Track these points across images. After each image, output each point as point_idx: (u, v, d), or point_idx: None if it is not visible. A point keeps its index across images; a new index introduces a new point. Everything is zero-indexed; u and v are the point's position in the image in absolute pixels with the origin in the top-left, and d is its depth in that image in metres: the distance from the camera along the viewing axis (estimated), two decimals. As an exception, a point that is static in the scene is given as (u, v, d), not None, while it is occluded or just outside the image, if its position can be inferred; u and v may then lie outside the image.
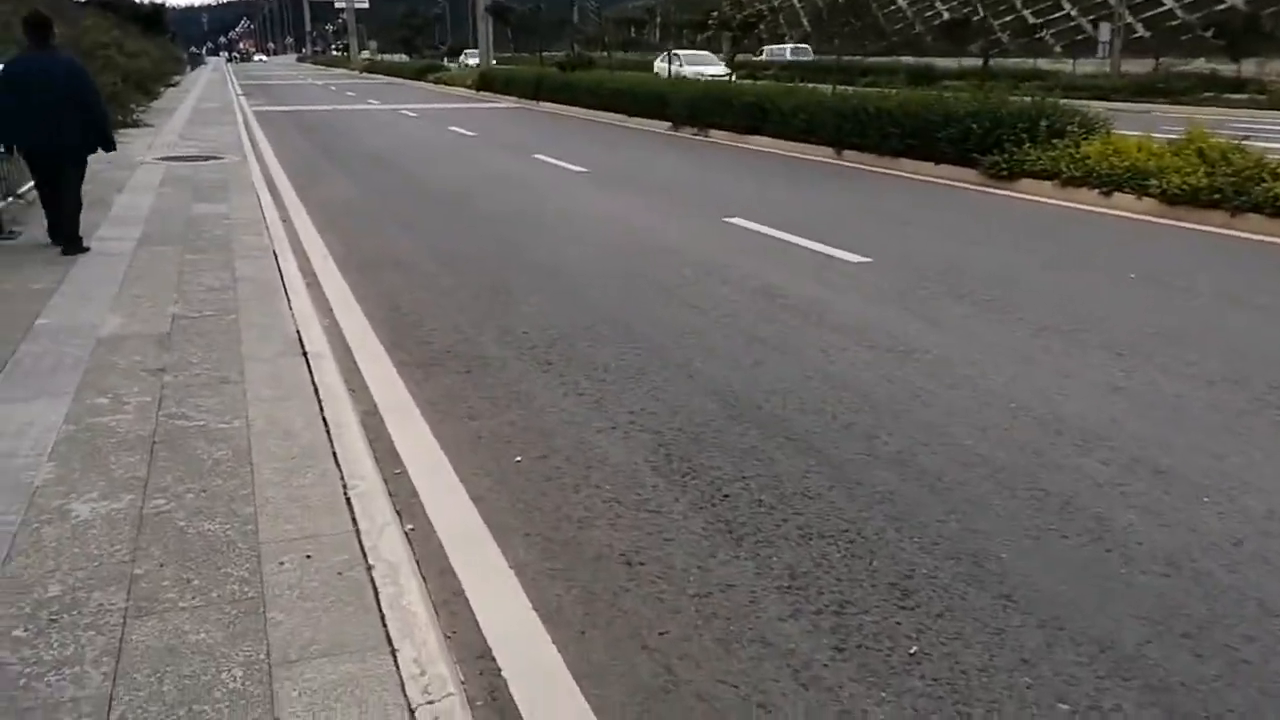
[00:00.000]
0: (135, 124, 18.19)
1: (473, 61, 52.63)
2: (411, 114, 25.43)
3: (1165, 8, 56.41)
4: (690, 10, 60.16)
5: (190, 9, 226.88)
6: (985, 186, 11.68)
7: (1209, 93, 29.00)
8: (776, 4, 67.03)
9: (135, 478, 3.33)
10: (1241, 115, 22.80)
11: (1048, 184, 11.03)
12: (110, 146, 7.49)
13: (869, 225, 9.34)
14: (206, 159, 13.35)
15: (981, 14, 65.39)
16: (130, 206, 9.17)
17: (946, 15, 70.30)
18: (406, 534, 3.16)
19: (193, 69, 63.18)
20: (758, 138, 16.86)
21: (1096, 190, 10.42)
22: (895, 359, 5.15)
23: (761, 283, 6.83)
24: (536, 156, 14.93)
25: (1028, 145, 11.59)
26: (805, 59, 51.13)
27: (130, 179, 11.05)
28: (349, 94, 36.55)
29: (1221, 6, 47.41)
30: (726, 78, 22.37)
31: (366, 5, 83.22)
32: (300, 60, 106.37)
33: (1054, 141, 11.58)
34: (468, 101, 31.42)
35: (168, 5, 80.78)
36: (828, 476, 3.71)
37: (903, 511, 3.43)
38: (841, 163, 14.29)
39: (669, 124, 20.10)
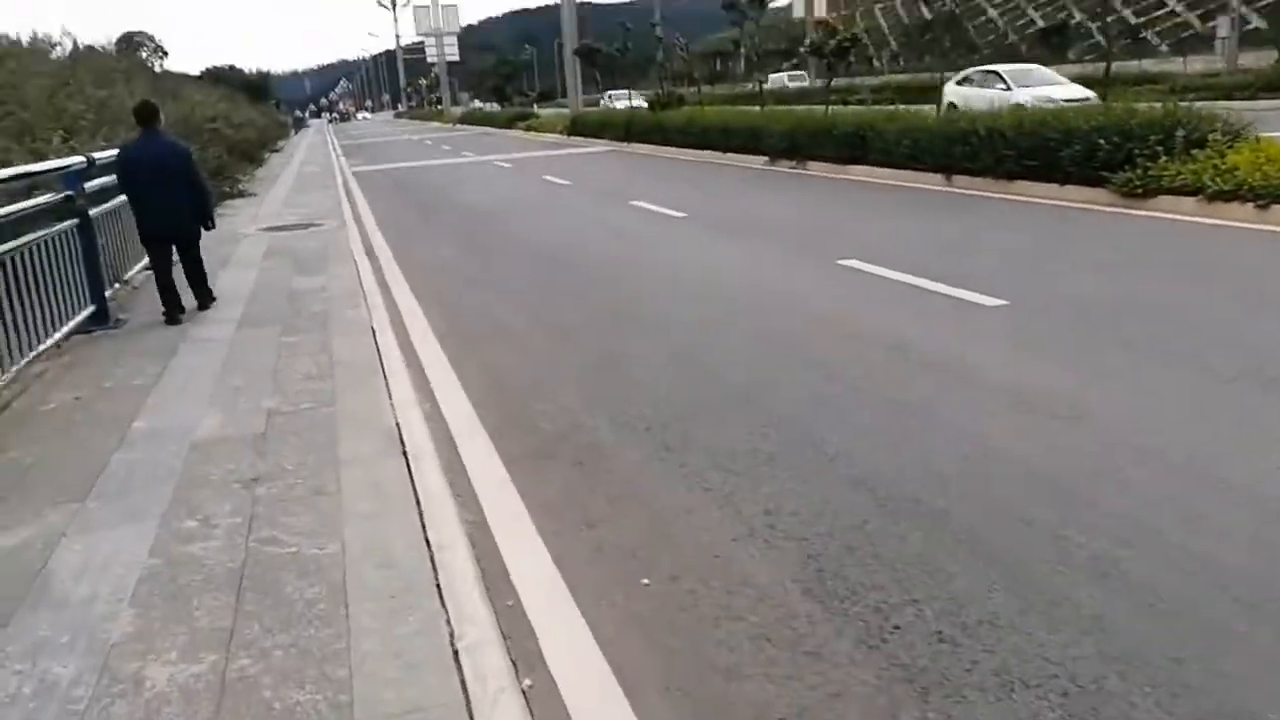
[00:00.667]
0: (240, 194, 18.65)
1: (620, 104, 46.96)
2: (505, 165, 25.58)
3: (1282, -3, 53.45)
4: (776, 39, 59.78)
5: (295, 74, 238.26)
6: (1118, 207, 10.78)
7: (1345, 83, 26.92)
8: (863, 26, 66.14)
9: (220, 629, 2.95)
10: (1389, 106, 20.99)
11: (1190, 200, 10.08)
12: (210, 225, 8.03)
13: (996, 260, 8.61)
14: (307, 226, 13.44)
15: (1078, 17, 63.21)
16: (233, 283, 9.11)
17: (1041, 22, 68.26)
18: (525, 693, 2.68)
19: (296, 132, 65.81)
20: (859, 167, 16.19)
21: (1250, 204, 9.44)
22: (1061, 425, 4.48)
23: (892, 336, 6.22)
24: (634, 203, 14.59)
25: (1164, 159, 10.66)
26: (804, 84, 49.55)
27: (234, 253, 11.10)
28: (444, 147, 37.23)
29: (1347, -10, 44.57)
30: (1087, 100, 17.67)
31: (457, 58, 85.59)
32: (397, 116, 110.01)
33: (1193, 153, 10.62)
34: (560, 148, 31.56)
35: (272, 73, 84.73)
36: (1016, 595, 3.09)
37: (1121, 648, 2.78)
38: (953, 190, 13.52)
39: (765, 158, 19.60)
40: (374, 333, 6.84)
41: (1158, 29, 57.28)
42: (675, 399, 5.29)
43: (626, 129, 28.75)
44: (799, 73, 55.25)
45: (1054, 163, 11.94)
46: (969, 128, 13.59)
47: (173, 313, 7.61)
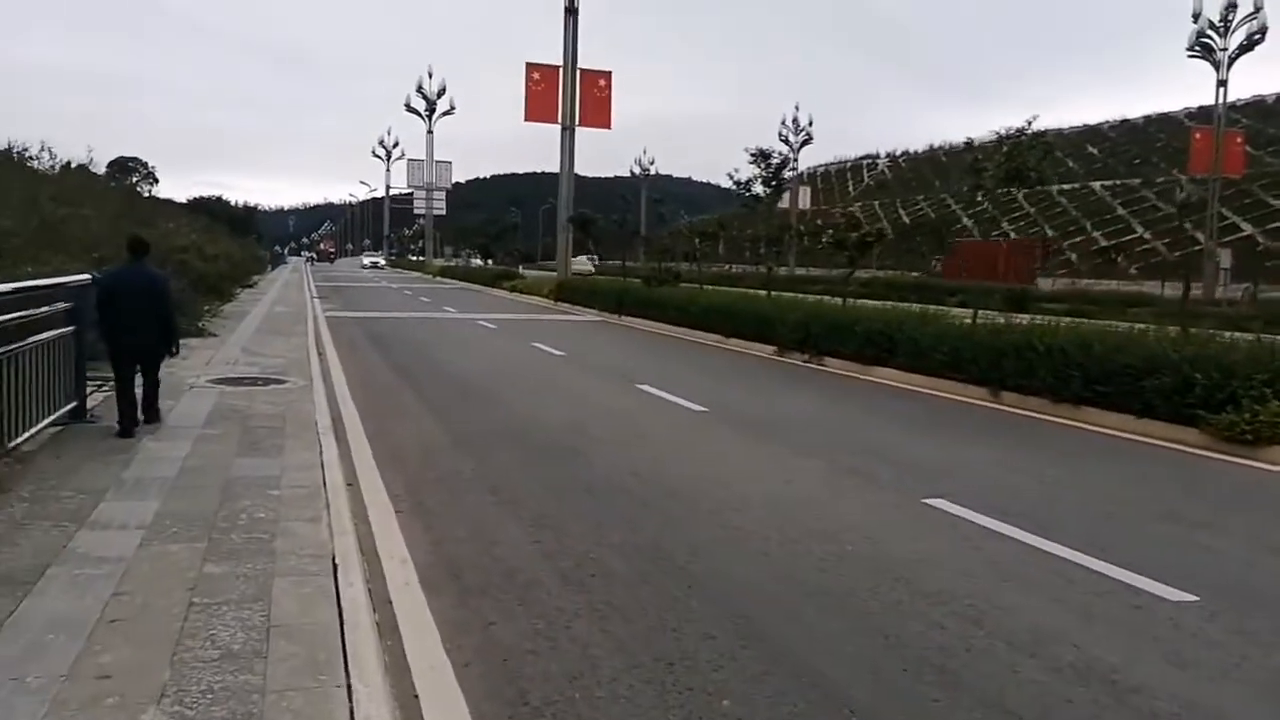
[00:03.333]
0: (200, 332, 16.78)
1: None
2: (490, 325, 24.08)
3: (1245, 233, 55.23)
4: (751, 223, 60.37)
5: (281, 211, 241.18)
6: (1218, 452, 9.26)
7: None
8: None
9: None
10: None
11: (1314, 454, 8.58)
12: (174, 351, 8.85)
13: (1127, 518, 6.90)
14: (267, 382, 11.55)
15: (1051, 234, 64.96)
16: (154, 461, 7.13)
17: (1013, 234, 70.20)
18: None
19: (273, 268, 64.82)
20: (884, 370, 14.77)
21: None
22: None
23: (1032, 628, 4.43)
24: (641, 387, 12.93)
25: (1274, 402, 9.24)
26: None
27: (171, 412, 9.15)
28: (423, 299, 35.94)
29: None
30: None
31: (444, 212, 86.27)
32: (374, 266, 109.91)
33: (1305, 399, 9.22)
34: (546, 313, 30.30)
35: (259, 207, 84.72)
36: None
37: None
38: (1003, 407, 12.02)
39: (773, 348, 18.23)
40: (335, 571, 4.87)
41: (1125, 253, 58.62)
42: (752, 710, 3.36)
43: (619, 301, 27.58)
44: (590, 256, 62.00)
45: (1132, 392, 10.51)
46: (1022, 340, 12.23)
47: (128, 425, 8.06)
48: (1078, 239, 65.64)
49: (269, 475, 6.90)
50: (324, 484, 6.71)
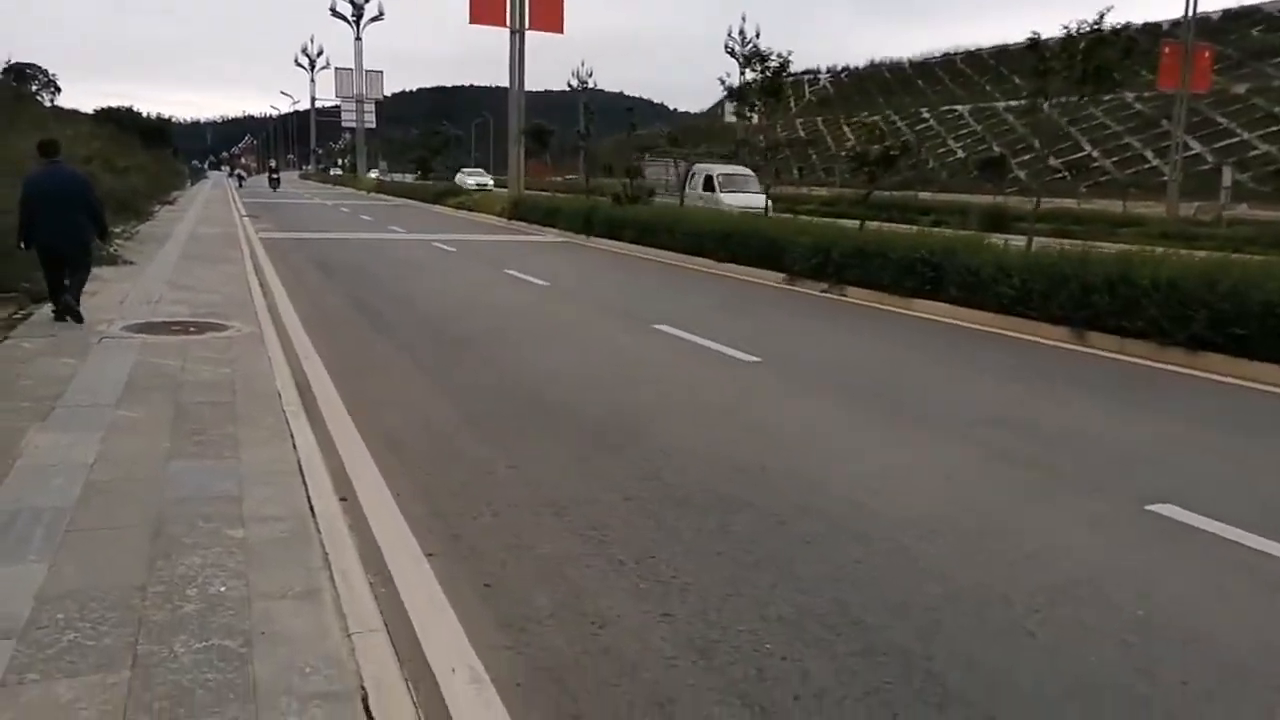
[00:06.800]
0: (112, 260, 13.97)
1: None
2: (449, 248, 21.43)
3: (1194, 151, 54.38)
4: (696, 140, 57.18)
5: (197, 123, 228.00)
6: None
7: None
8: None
9: None
10: None
11: None
12: (105, 238, 10.28)
13: None
14: (202, 329, 9.05)
15: (999, 153, 63.38)
16: (41, 475, 4.74)
17: (960, 152, 68.63)
18: None
19: (193, 184, 60.22)
20: (928, 303, 12.78)
21: None
22: None
23: None
24: (660, 329, 10.71)
25: None
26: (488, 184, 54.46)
27: (73, 381, 6.69)
28: (364, 218, 32.84)
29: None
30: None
31: (374, 125, 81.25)
32: (303, 178, 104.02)
33: None
34: (503, 233, 27.62)
35: (174, 119, 78.96)
36: None
37: None
38: (1096, 351, 10.13)
39: (781, 275, 16.11)
40: (364, 700, 2.68)
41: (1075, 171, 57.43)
42: None
43: (587, 220, 25.04)
44: (477, 170, 62.80)
45: (1274, 336, 8.70)
46: (1117, 274, 10.29)
47: (60, 311, 8.92)
48: (1025, 157, 64.19)
49: (222, 493, 4.58)
50: (310, 509, 4.43)
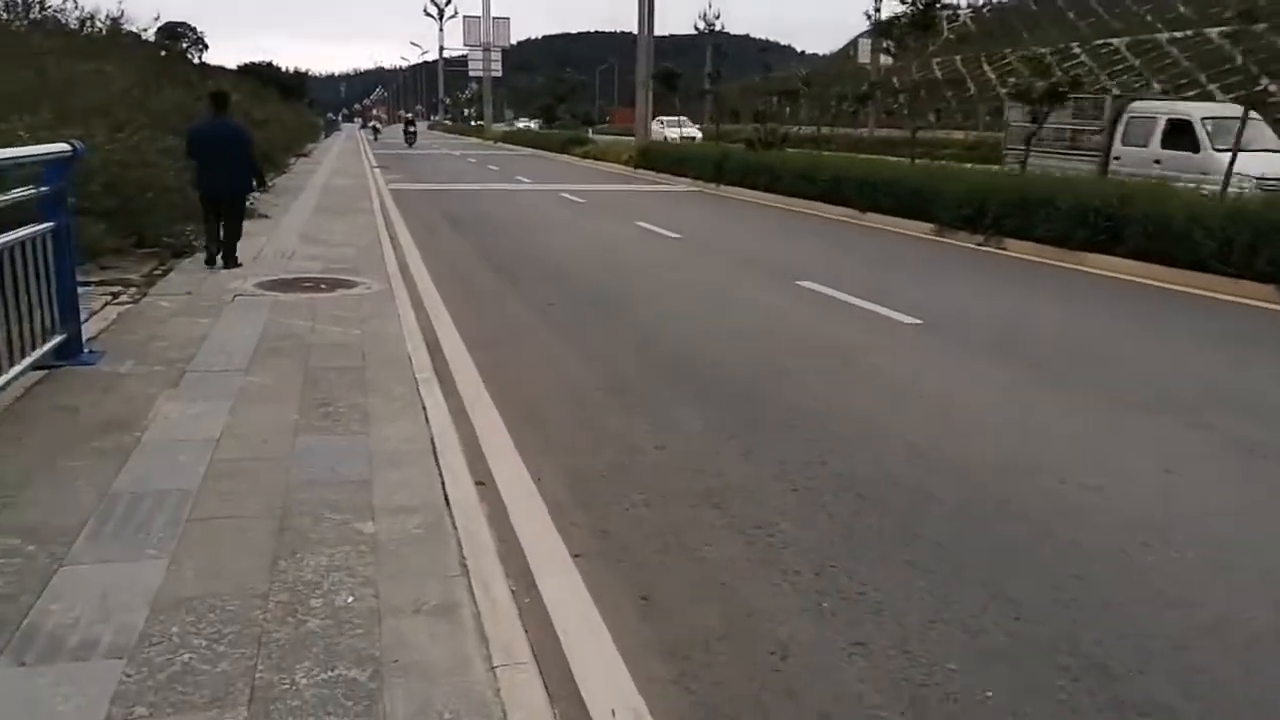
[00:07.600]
0: (249, 213, 14.03)
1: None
2: (577, 199, 20.98)
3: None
4: (831, 83, 54.50)
5: (331, 77, 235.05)
6: None
7: None
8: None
9: None
10: None
11: None
12: (262, 187, 12.08)
13: None
14: (333, 286, 8.82)
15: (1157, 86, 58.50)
16: (165, 451, 4.44)
17: (1116, 90, 63.81)
18: None
19: (328, 135, 61.92)
20: (1103, 258, 11.55)
21: None
22: None
23: None
24: (804, 285, 9.96)
25: None
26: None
27: (204, 343, 6.48)
28: (491, 167, 32.79)
29: None
30: None
31: (500, 74, 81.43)
32: (430, 128, 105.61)
33: None
34: (631, 182, 27.03)
35: (310, 73, 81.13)
36: None
37: None
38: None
39: (931, 226, 14.99)
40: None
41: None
42: None
43: (718, 168, 24.16)
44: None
45: None
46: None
47: (213, 256, 9.63)
48: (1191, 92, 59.08)
49: (351, 476, 4.18)
50: (445, 499, 3.98)
